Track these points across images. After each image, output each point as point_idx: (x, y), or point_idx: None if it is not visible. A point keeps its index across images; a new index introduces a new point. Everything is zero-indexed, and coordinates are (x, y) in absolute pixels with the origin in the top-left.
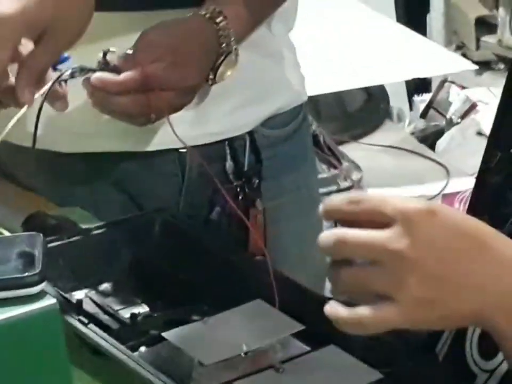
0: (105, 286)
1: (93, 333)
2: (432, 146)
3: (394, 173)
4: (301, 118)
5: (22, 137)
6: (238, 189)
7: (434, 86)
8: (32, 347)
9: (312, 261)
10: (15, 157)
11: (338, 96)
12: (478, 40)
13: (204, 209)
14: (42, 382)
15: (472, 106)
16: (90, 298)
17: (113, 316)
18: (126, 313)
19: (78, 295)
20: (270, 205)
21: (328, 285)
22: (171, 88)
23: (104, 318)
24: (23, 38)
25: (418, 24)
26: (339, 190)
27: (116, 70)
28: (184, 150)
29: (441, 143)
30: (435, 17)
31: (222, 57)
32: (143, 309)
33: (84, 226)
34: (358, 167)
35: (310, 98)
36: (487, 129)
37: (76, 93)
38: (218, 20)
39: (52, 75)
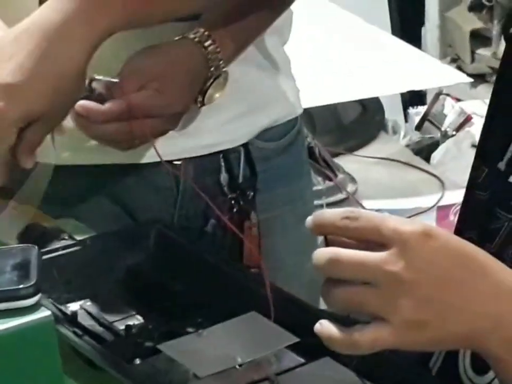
0: (100, 298)
1: (87, 345)
2: (427, 159)
3: (389, 185)
4: (296, 131)
5: None
6: (233, 201)
7: (429, 98)
8: (26, 359)
9: (307, 273)
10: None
11: (333, 109)
12: (472, 53)
13: (199, 221)
14: None
15: (467, 119)
16: (85, 310)
17: (108, 327)
18: (120, 325)
19: (73, 307)
20: (264, 217)
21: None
22: (156, 115)
23: (99, 330)
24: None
25: (413, 37)
26: (334, 202)
27: (101, 98)
28: (178, 163)
29: (436, 156)
30: (430, 30)
31: (211, 81)
32: (137, 320)
33: (78, 237)
34: (353, 179)
35: (305, 110)
36: None
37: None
38: (207, 43)
39: None
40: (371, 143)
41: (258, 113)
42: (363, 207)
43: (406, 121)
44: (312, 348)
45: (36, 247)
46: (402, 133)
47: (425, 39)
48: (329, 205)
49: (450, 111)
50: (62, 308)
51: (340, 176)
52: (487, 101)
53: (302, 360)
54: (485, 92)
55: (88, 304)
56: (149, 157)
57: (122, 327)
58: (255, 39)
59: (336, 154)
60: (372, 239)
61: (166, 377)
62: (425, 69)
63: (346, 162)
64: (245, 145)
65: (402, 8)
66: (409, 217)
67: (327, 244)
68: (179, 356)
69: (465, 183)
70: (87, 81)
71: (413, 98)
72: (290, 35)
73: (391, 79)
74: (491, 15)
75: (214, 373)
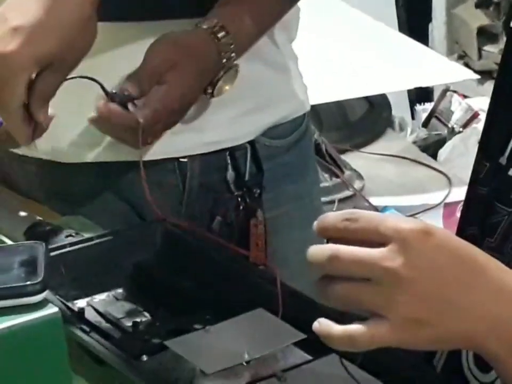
0: (107, 295)
1: (94, 341)
2: (434, 155)
3: (396, 181)
4: (303, 128)
5: (25, 148)
6: (239, 199)
7: (436, 95)
8: (34, 355)
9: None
10: (18, 167)
11: (340, 106)
12: (479, 49)
13: (205, 219)
14: None
15: (474, 116)
16: (92, 307)
17: (115, 324)
18: (128, 322)
19: (80, 303)
20: (271, 214)
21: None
22: (167, 109)
23: (106, 326)
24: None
25: (420, 34)
26: (341, 199)
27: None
28: (184, 160)
29: (443, 152)
30: (437, 27)
31: (222, 73)
32: (145, 317)
33: (85, 235)
34: (360, 176)
35: (312, 107)
36: None
37: (77, 106)
38: (220, 35)
39: None
40: (378, 140)
41: (265, 110)
42: (370, 204)
43: (413, 118)
44: (319, 344)
45: (43, 243)
46: (409, 130)
47: (432, 36)
48: (336, 201)
49: (457, 107)
50: (69, 304)
51: (347, 173)
52: None
53: (309, 357)
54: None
55: (95, 300)
56: (156, 154)
57: (130, 323)
58: (267, 31)
59: (343, 151)
60: (372, 239)
61: (173, 373)
62: (432, 65)
63: (353, 159)
64: (251, 143)
65: (409, 5)
66: (417, 214)
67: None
68: (186, 352)
69: None
70: (106, 97)
71: (420, 95)
72: (297, 32)
73: (398, 76)
74: (498, 11)
75: (221, 370)
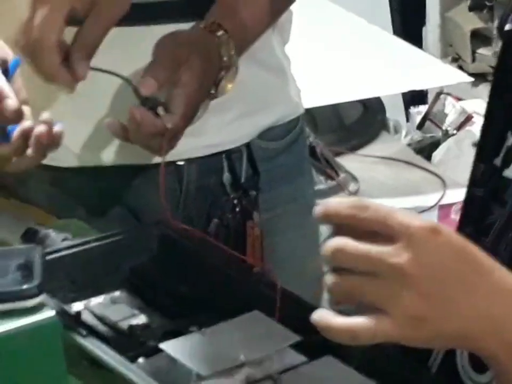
0: (103, 298)
1: (91, 344)
2: (428, 158)
3: (391, 184)
4: (298, 131)
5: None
6: (235, 201)
7: (430, 98)
8: (31, 359)
9: (309, 270)
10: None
11: (335, 108)
12: (473, 52)
13: (202, 222)
14: None
15: (468, 118)
16: (89, 310)
17: (112, 327)
18: (124, 325)
19: (77, 306)
20: (267, 216)
21: (325, 295)
22: (191, 112)
23: (103, 329)
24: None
25: (414, 37)
26: None
27: (157, 105)
28: (181, 163)
29: (437, 155)
30: (431, 30)
31: (223, 72)
32: (141, 320)
33: (82, 238)
34: (354, 179)
35: (307, 110)
36: None
37: (76, 109)
38: (219, 33)
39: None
40: (373, 143)
41: (261, 113)
42: None
43: (408, 120)
44: (315, 346)
45: (40, 247)
46: (403, 132)
47: (426, 39)
48: None
49: (451, 110)
50: (66, 307)
51: (342, 175)
52: None
53: (305, 359)
54: (486, 91)
55: (91, 304)
56: (153, 158)
57: (126, 326)
58: (265, 30)
59: (338, 154)
60: (378, 230)
61: (169, 376)
62: (426, 68)
63: (348, 162)
64: (247, 145)
65: (403, 8)
66: None
67: (335, 235)
68: (182, 355)
69: (466, 182)
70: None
71: (414, 97)
72: (291, 35)
73: (393, 79)
74: (492, 14)
75: (217, 372)
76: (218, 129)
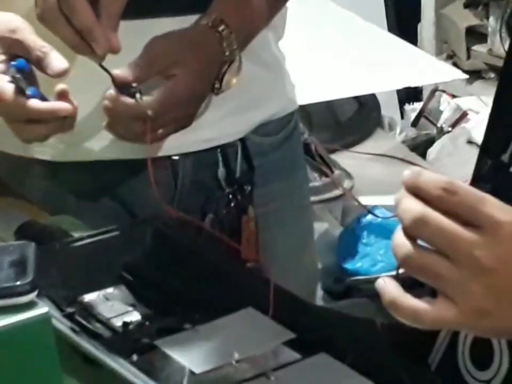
0: (97, 294)
1: (84, 341)
2: (423, 155)
3: (385, 181)
4: (292, 126)
5: (15, 146)
6: (230, 196)
7: (425, 95)
8: (23, 356)
9: (304, 265)
10: (7, 166)
11: (330, 105)
12: (468, 49)
13: (196, 216)
14: None
15: (463, 115)
16: (82, 307)
17: (105, 324)
18: (117, 322)
19: (70, 303)
20: (262, 211)
21: (319, 291)
22: (173, 101)
23: (96, 326)
24: None
25: (409, 34)
26: (330, 199)
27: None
28: (176, 158)
29: (432, 152)
30: (426, 26)
31: (226, 66)
32: (134, 317)
33: (75, 234)
34: (349, 175)
35: (302, 107)
36: (478, 138)
37: None
38: (220, 28)
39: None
40: (367, 140)
41: (256, 108)
42: (359, 203)
43: (402, 117)
44: (309, 343)
45: (33, 243)
46: (398, 129)
47: (421, 36)
48: (326, 201)
49: (446, 107)
50: (59, 304)
51: (336, 172)
52: (483, 97)
53: (299, 356)
54: (481, 88)
55: (85, 300)
56: (147, 152)
57: (120, 323)
58: (266, 25)
59: (333, 151)
60: (465, 216)
61: (163, 373)
62: (421, 65)
63: (343, 159)
64: (242, 140)
65: (398, 5)
66: None
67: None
68: (176, 352)
69: (461, 179)
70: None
71: (409, 94)
72: (286, 32)
73: (387, 76)
74: (487, 11)
75: (211, 369)
76: (213, 124)
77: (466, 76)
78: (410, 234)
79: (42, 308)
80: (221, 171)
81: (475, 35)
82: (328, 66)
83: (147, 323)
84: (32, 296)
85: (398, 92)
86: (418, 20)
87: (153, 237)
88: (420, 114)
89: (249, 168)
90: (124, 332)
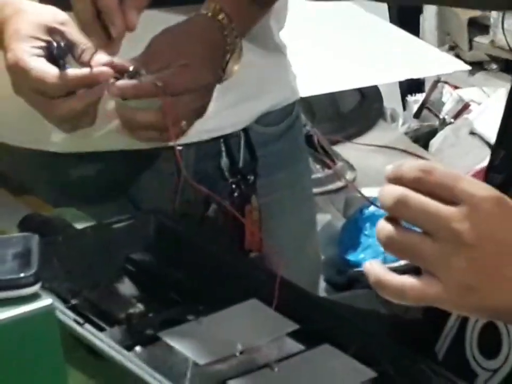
0: (100, 287)
1: (88, 333)
2: (425, 146)
3: None
4: (294, 116)
5: (18, 138)
6: (234, 186)
7: (427, 86)
8: (27, 348)
9: (307, 256)
10: (11, 158)
11: (332, 97)
12: (470, 40)
13: (200, 207)
14: (38, 382)
15: (465, 106)
16: (86, 299)
17: (109, 316)
18: (121, 314)
19: (74, 295)
20: (264, 201)
21: (322, 282)
22: (186, 90)
23: (100, 318)
24: None
25: (411, 25)
26: (333, 190)
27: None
28: (180, 148)
29: (434, 143)
30: (428, 18)
31: (229, 55)
32: (138, 309)
33: (79, 227)
34: (351, 167)
35: (304, 99)
36: (480, 129)
37: None
38: (220, 17)
39: None
40: (370, 131)
41: (259, 97)
42: (362, 195)
43: (404, 109)
44: (312, 334)
45: (37, 235)
46: (400, 121)
47: (423, 27)
48: (328, 192)
49: (449, 98)
50: (63, 296)
51: (339, 163)
52: (485, 89)
53: (302, 347)
54: (483, 79)
55: (88, 292)
56: (150, 142)
57: (123, 315)
58: (264, 14)
59: (335, 142)
60: (443, 195)
61: (166, 364)
62: (423, 57)
63: (345, 150)
64: (244, 130)
65: None
66: None
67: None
68: (179, 343)
69: (464, 170)
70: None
71: (411, 86)
72: (289, 23)
73: (390, 67)
74: None
75: (214, 360)
76: (215, 115)
77: (469, 67)
78: (392, 216)
79: (46, 300)
80: (224, 161)
81: (477, 26)
82: (330, 58)
83: (150, 315)
84: (36, 288)
85: (400, 83)
86: (420, 11)
87: (156, 229)
88: (422, 106)
89: (252, 158)
90: (127, 323)
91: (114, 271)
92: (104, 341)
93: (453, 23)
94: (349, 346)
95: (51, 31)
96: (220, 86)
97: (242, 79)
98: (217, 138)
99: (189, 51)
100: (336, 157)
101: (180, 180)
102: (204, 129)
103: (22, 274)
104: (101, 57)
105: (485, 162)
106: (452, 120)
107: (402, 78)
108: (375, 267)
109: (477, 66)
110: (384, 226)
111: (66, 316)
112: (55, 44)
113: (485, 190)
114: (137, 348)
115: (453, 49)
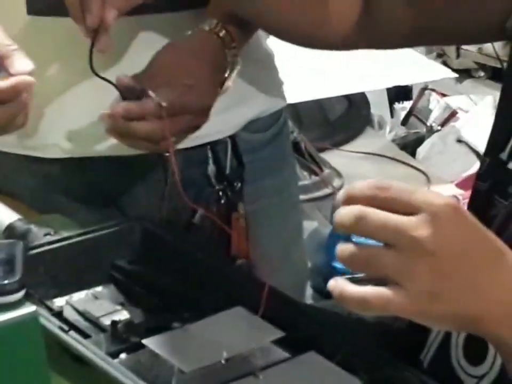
0: (85, 293)
1: (73, 340)
2: (412, 153)
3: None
4: (281, 123)
5: (4, 144)
6: (220, 193)
7: (415, 93)
8: (11, 354)
9: (293, 263)
10: None
11: (320, 104)
12: (458, 48)
13: (187, 213)
14: None
15: (452, 114)
16: (71, 306)
17: (94, 323)
18: (106, 321)
19: (59, 302)
20: (251, 208)
21: (309, 289)
22: (189, 111)
23: (85, 325)
24: None
25: None
26: (320, 197)
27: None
28: (167, 155)
29: (421, 150)
30: None
31: (229, 71)
32: (123, 316)
33: (64, 233)
34: (339, 174)
35: (292, 105)
36: (467, 137)
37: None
38: (221, 34)
39: None
40: (357, 138)
41: (246, 104)
42: None
43: (392, 116)
44: (298, 342)
45: (21, 242)
46: (388, 128)
47: None
48: (315, 199)
49: (436, 106)
50: (48, 303)
51: (326, 171)
52: (473, 96)
53: (288, 355)
54: (470, 87)
55: (74, 299)
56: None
57: (108, 322)
58: (258, 28)
59: (322, 149)
60: (401, 209)
61: (151, 372)
62: (411, 64)
63: (333, 157)
64: (231, 137)
65: None
66: None
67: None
68: (164, 350)
69: (450, 178)
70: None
71: (398, 93)
72: None
73: (377, 74)
74: None
75: (199, 368)
76: None
77: (456, 75)
78: (351, 231)
79: (30, 307)
80: (211, 168)
81: None
82: (318, 65)
83: (136, 322)
84: (20, 295)
85: (388, 90)
86: None
87: (142, 236)
88: (410, 113)
89: (239, 165)
90: (112, 330)
91: (100, 278)
92: (89, 348)
93: None
94: (334, 354)
95: None
96: None
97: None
98: (204, 145)
99: (194, 70)
100: (324, 164)
101: (167, 187)
102: (190, 136)
103: (6, 281)
104: (25, 65)
105: (472, 170)
106: (439, 127)
107: (390, 85)
108: (338, 282)
109: (465, 73)
110: (345, 247)
111: (51, 323)
112: None
113: (441, 198)
114: (122, 355)
115: (441, 56)
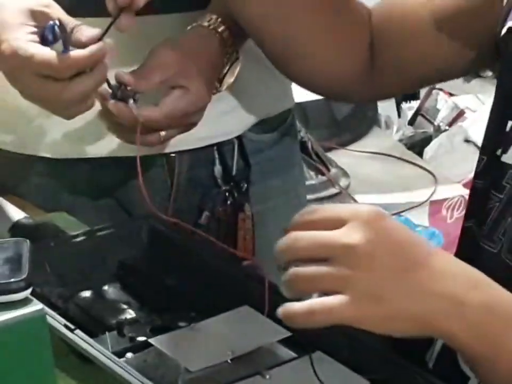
0: (92, 292)
1: (79, 339)
2: (420, 153)
3: (382, 179)
4: (289, 123)
5: (10, 143)
6: (227, 193)
7: (422, 93)
8: (18, 353)
9: None
10: (3, 163)
11: (327, 103)
12: None
13: (193, 214)
14: None
15: (460, 114)
16: (77, 304)
17: (100, 322)
18: (113, 320)
19: (65, 301)
20: (258, 209)
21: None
22: (184, 115)
23: (91, 324)
24: None
25: None
26: (327, 197)
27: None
28: (173, 155)
29: (429, 150)
30: None
31: (227, 67)
32: (130, 315)
33: (71, 232)
34: (346, 174)
35: (299, 105)
36: (475, 136)
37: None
38: (220, 29)
39: None
40: (364, 138)
41: (253, 105)
42: (356, 202)
43: (399, 116)
44: (304, 342)
45: (28, 240)
46: (395, 128)
47: None
48: (322, 199)
49: (443, 105)
50: (54, 301)
51: (333, 170)
52: (480, 96)
53: (294, 355)
54: (478, 86)
55: (80, 298)
56: (144, 150)
57: (115, 321)
58: None
59: (329, 149)
60: (330, 226)
61: (157, 371)
62: None
63: (339, 157)
64: (238, 138)
65: None
66: (402, 211)
67: None
68: (171, 350)
69: (458, 178)
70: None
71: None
72: None
73: None
74: None
75: (206, 367)
76: (209, 123)
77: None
78: (292, 260)
79: (37, 305)
80: (218, 168)
81: None
82: None
83: (142, 321)
84: (26, 293)
85: None
86: None
87: (148, 235)
88: (417, 113)
89: (245, 166)
90: (118, 330)
91: (107, 276)
92: (95, 347)
93: None
94: (341, 354)
95: (36, 14)
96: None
97: (236, 88)
98: (211, 146)
99: (192, 67)
100: (330, 163)
101: (173, 188)
102: (196, 137)
103: (12, 280)
104: (92, 32)
105: None
106: (447, 127)
107: None
108: (285, 306)
109: (472, 73)
110: (287, 272)
111: (57, 322)
112: (53, 25)
113: (365, 207)
114: (129, 354)
115: None
